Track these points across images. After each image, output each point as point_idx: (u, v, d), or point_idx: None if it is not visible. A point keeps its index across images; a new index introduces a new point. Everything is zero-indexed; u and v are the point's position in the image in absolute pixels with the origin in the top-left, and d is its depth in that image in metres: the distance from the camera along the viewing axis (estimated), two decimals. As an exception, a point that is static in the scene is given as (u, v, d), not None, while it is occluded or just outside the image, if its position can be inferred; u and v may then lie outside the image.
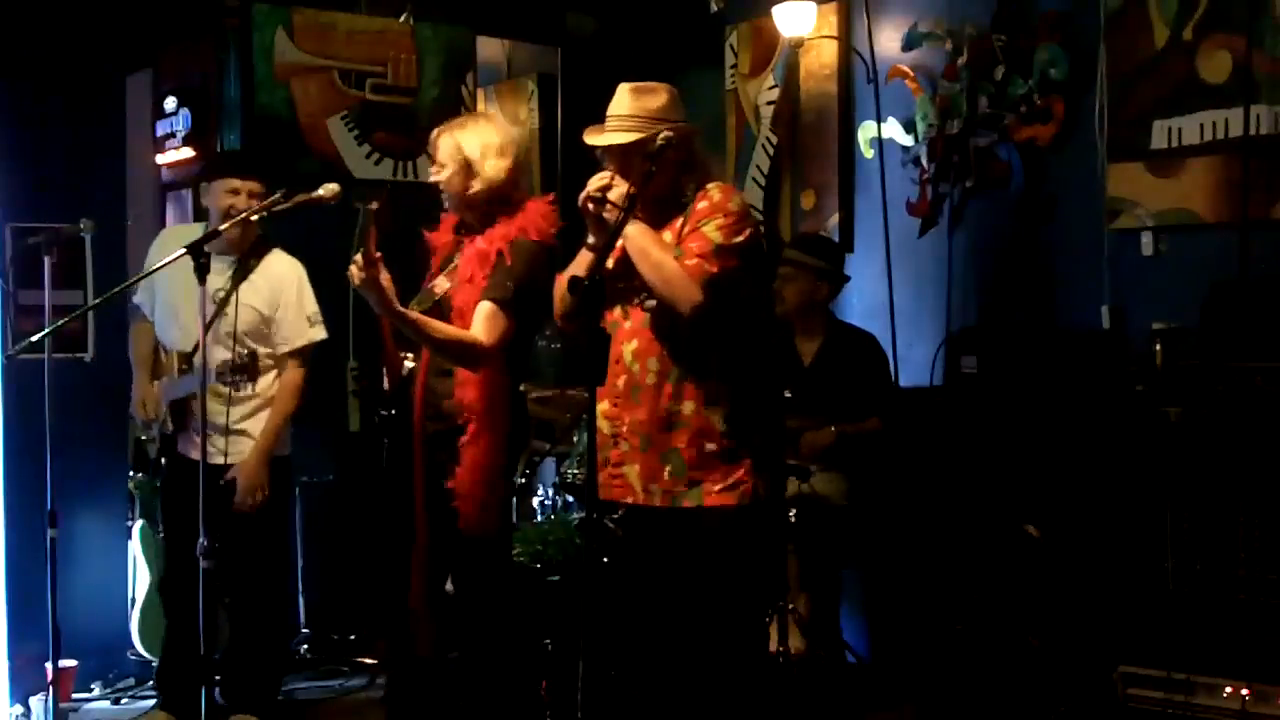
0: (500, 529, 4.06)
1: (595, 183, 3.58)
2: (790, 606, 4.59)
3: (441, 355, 3.91)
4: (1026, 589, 4.42)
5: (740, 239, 3.54)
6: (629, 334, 3.64)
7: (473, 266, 3.94)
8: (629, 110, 3.66)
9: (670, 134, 3.53)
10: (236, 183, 4.65)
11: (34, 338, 4.24)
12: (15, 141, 5.55)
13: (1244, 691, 3.84)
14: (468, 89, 6.34)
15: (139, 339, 4.84)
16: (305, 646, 5.83)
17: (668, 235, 3.59)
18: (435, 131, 4.09)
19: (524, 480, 5.71)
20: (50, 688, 4.63)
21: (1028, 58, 5.09)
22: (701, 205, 3.57)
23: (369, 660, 5.66)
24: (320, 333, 4.67)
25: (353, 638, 5.77)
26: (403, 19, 6.15)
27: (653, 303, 3.57)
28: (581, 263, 3.66)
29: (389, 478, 4.19)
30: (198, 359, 4.55)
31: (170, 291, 4.59)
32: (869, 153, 5.79)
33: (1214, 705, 3.89)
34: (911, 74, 5.54)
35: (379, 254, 3.72)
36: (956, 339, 5.02)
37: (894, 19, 5.68)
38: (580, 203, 3.58)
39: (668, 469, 3.59)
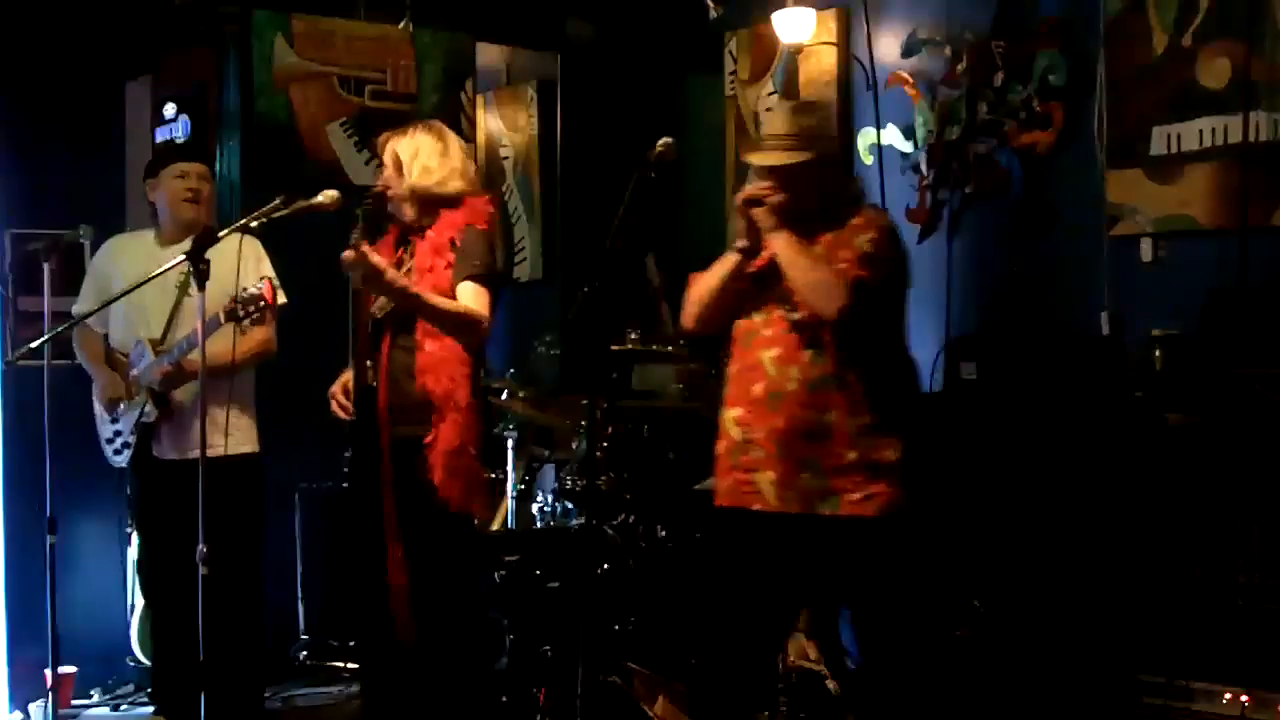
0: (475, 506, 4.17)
1: (755, 188, 3.65)
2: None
3: (447, 329, 4.03)
4: (1025, 595, 4.41)
5: (889, 255, 3.60)
6: (769, 341, 3.66)
7: (429, 258, 4.08)
8: (788, 129, 3.69)
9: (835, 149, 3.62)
10: (183, 166, 4.73)
11: (33, 344, 4.26)
12: (15, 148, 5.57)
13: (1243, 698, 3.84)
14: (467, 95, 6.34)
15: (87, 344, 4.83)
16: (305, 653, 5.83)
17: (819, 249, 3.62)
18: (384, 136, 4.27)
19: (523, 487, 5.71)
20: (50, 694, 4.64)
21: (1027, 64, 5.09)
22: (856, 221, 3.64)
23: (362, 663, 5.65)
24: (280, 296, 4.60)
25: (352, 644, 5.76)
26: (402, 25, 6.15)
27: (798, 315, 3.59)
28: (724, 265, 3.73)
29: (356, 485, 4.25)
30: (170, 339, 4.56)
31: (131, 296, 4.47)
32: (868, 159, 5.78)
33: (1213, 712, 3.89)
34: (911, 80, 5.54)
35: (367, 243, 3.89)
36: (956, 345, 5.01)
37: (893, 25, 5.68)
38: (738, 203, 3.66)
39: (805, 476, 3.58)
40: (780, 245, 3.59)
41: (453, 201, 4.17)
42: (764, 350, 3.66)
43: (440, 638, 4.13)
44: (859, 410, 3.57)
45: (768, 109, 6.05)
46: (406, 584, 4.13)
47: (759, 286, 3.68)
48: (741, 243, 3.70)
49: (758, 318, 3.70)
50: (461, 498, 4.08)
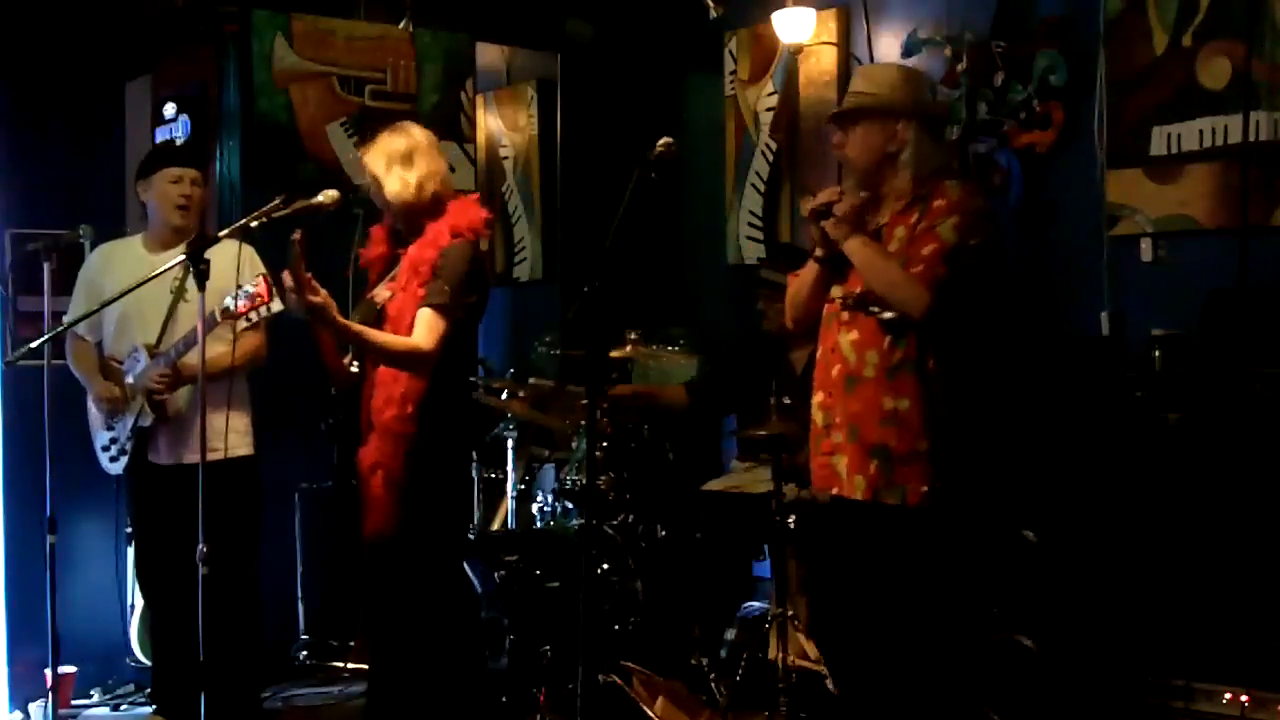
0: (400, 533, 3.96)
1: (823, 195, 3.65)
2: (790, 613, 4.59)
3: (390, 364, 3.94)
4: (1024, 594, 4.41)
5: (975, 240, 3.50)
6: (848, 324, 3.64)
7: (407, 275, 3.98)
8: (856, 87, 3.69)
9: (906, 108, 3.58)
10: (177, 171, 4.69)
11: (33, 344, 4.24)
12: (15, 147, 5.57)
13: (1243, 698, 3.84)
14: (467, 95, 6.34)
15: (80, 357, 4.79)
16: (305, 653, 5.83)
17: (901, 230, 3.58)
18: (360, 151, 4.15)
19: (523, 487, 5.72)
20: (49, 694, 4.63)
21: (1027, 64, 5.09)
22: (939, 203, 3.55)
23: (368, 666, 5.66)
24: (276, 305, 4.29)
25: (352, 644, 5.77)
26: (402, 25, 6.15)
27: (890, 315, 3.54)
28: (808, 273, 3.74)
29: (343, 483, 4.21)
30: (165, 342, 4.54)
31: (122, 305, 4.43)
32: (868, 159, 5.78)
33: (1213, 712, 3.89)
34: (911, 80, 5.54)
35: (309, 275, 3.73)
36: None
37: (893, 25, 5.68)
38: (806, 214, 3.67)
39: (875, 463, 3.56)
40: (854, 250, 3.57)
41: (433, 208, 4.04)
42: (843, 334, 3.65)
43: (398, 644, 4.09)
44: (935, 400, 3.54)
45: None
46: (369, 591, 4.11)
47: (835, 268, 3.66)
48: (819, 252, 3.69)
49: (836, 301, 3.70)
50: (371, 517, 3.97)
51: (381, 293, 4.07)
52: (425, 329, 3.89)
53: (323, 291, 3.78)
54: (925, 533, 3.56)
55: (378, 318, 4.02)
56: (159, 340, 4.57)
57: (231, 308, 4.06)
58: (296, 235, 3.75)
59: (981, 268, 3.55)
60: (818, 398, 3.70)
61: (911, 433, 3.54)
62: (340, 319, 3.84)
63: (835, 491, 3.66)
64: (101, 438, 4.76)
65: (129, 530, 5.55)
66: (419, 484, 3.95)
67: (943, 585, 3.64)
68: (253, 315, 4.07)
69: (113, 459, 4.74)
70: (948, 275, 3.46)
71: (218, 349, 4.36)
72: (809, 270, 3.76)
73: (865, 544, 3.64)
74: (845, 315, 3.65)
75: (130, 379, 4.61)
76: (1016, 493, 4.47)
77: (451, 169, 6.05)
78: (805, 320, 3.81)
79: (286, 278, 3.72)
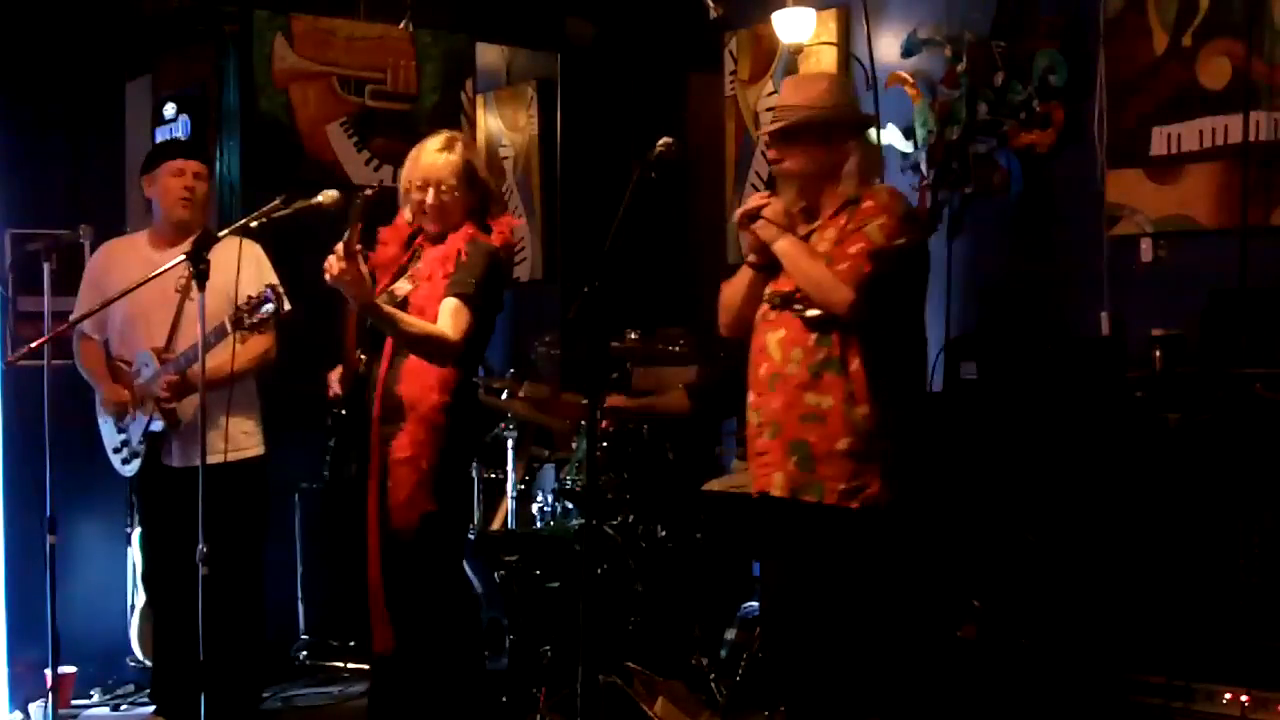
0: (427, 526, 3.97)
1: (753, 201, 3.70)
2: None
3: (413, 349, 3.93)
4: (1025, 594, 4.41)
5: (901, 241, 3.56)
6: (774, 324, 3.67)
7: (434, 266, 4.00)
8: (788, 101, 3.71)
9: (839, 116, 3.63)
10: (180, 163, 4.70)
11: (33, 344, 4.25)
12: (15, 148, 5.57)
13: (1243, 698, 3.84)
14: (467, 95, 6.35)
15: (88, 356, 4.79)
16: (305, 653, 5.83)
17: (831, 231, 3.62)
18: (441, 149, 4.06)
19: (523, 487, 5.72)
20: (50, 694, 4.63)
21: (1027, 64, 5.09)
22: (868, 204, 3.60)
23: (368, 666, 5.65)
24: (285, 304, 4.30)
25: (352, 644, 5.76)
26: (402, 25, 6.15)
27: (814, 312, 3.58)
28: (742, 277, 3.79)
29: (338, 477, 4.21)
30: (174, 346, 4.54)
31: (128, 304, 4.43)
32: (868, 159, 5.78)
33: (1213, 712, 3.89)
34: (911, 80, 5.54)
35: (360, 245, 3.75)
36: (956, 345, 5.00)
37: (893, 25, 5.68)
38: (736, 219, 3.72)
39: (794, 459, 3.58)
40: (783, 251, 3.61)
41: (474, 217, 4.08)
42: (770, 333, 3.67)
43: (410, 639, 4.08)
44: (858, 399, 3.56)
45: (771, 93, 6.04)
46: (380, 582, 4.09)
47: (769, 273, 3.70)
48: (752, 257, 3.74)
49: (765, 302, 3.72)
50: (402, 508, 3.96)
51: (402, 285, 4.07)
52: (451, 318, 3.90)
53: (365, 265, 3.80)
54: (841, 530, 3.57)
55: (400, 308, 4.02)
56: (167, 343, 4.57)
57: (245, 320, 4.06)
58: (368, 191, 3.82)
59: (906, 269, 3.63)
60: (750, 398, 3.72)
61: (832, 431, 3.56)
62: (374, 297, 3.85)
63: (767, 489, 3.67)
64: (113, 439, 4.76)
65: (130, 530, 5.58)
66: (443, 478, 3.99)
67: (863, 583, 3.64)
68: (260, 321, 4.07)
69: (124, 461, 4.74)
70: (873, 273, 3.51)
71: (223, 354, 4.35)
72: (742, 275, 3.80)
73: (786, 542, 3.66)
74: (773, 315, 3.68)
75: (139, 383, 4.60)
76: (1015, 492, 4.48)
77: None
78: (737, 326, 3.84)
79: (336, 260, 3.71)
